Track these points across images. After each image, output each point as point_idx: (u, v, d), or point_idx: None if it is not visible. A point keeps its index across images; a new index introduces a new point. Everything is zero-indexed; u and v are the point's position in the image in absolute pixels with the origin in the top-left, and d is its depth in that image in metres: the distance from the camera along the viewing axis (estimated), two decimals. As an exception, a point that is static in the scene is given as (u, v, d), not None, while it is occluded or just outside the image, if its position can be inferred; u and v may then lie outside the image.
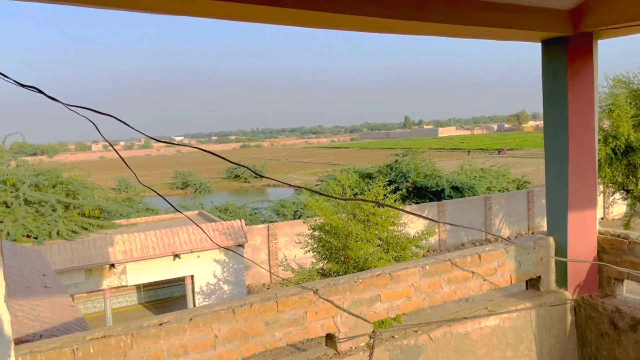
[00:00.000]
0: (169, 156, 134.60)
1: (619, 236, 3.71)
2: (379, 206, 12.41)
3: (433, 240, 21.47)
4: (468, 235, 23.17)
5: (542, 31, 3.55)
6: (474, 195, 26.24)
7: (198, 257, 16.00)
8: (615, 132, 14.99)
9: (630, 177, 15.77)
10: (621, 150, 15.21)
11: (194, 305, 15.96)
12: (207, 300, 16.28)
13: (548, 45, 3.77)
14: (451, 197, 25.92)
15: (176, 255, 15.60)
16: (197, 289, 16.29)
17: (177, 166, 68.83)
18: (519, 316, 3.56)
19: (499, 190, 27.79)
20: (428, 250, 19.20)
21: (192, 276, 16.24)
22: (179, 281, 17.57)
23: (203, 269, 16.21)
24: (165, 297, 18.97)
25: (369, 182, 17.40)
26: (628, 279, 3.67)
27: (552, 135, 3.84)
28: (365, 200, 12.90)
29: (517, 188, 28.73)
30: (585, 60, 3.66)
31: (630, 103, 15.50)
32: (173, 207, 2.94)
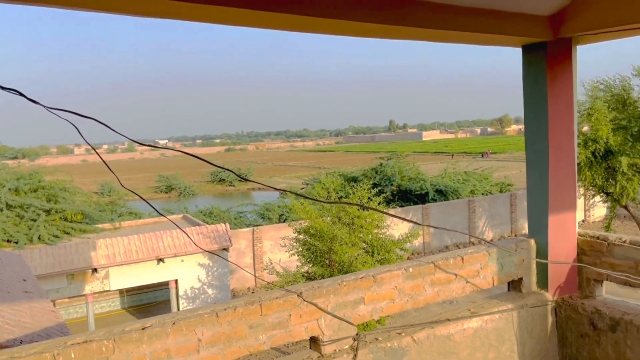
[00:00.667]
0: (153, 160, 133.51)
1: (598, 238, 3.78)
2: (363, 209, 12.44)
3: (417, 243, 21.57)
4: (452, 238, 23.33)
5: (523, 36, 3.60)
6: (457, 198, 26.45)
7: (182, 261, 15.88)
8: (595, 135, 15.21)
9: (610, 180, 16.01)
10: (601, 154, 15.44)
11: (178, 310, 15.83)
12: (191, 304, 16.16)
13: (528, 51, 3.84)
14: (435, 200, 26.09)
15: (160, 260, 15.46)
16: (181, 293, 16.16)
17: (161, 170, 68.31)
18: (501, 317, 3.61)
19: (482, 193, 28.04)
20: (412, 253, 19.28)
21: (176, 280, 16.11)
22: (163, 285, 17.41)
23: (187, 273, 16.09)
24: (149, 301, 18.79)
25: (353, 186, 17.45)
26: (607, 280, 3.73)
27: (533, 139, 3.90)
28: (350, 204, 12.96)
29: (500, 191, 29.02)
30: (564, 65, 3.73)
31: (610, 107, 15.76)
32: (156, 210, 2.92)
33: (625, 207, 16.77)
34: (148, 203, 2.94)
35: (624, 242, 3.60)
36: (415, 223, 3.86)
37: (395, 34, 3.09)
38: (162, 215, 3.07)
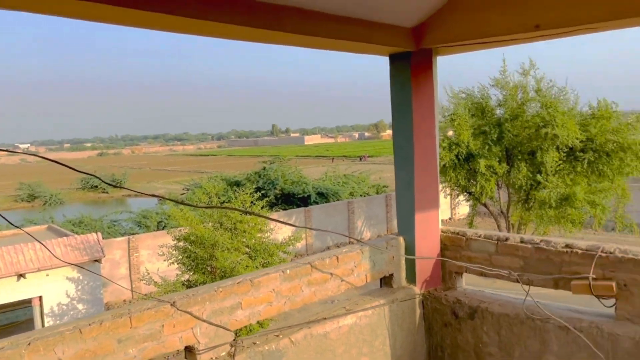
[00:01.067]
0: (12, 165, 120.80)
1: (457, 234, 4.11)
2: (246, 214, 12.36)
3: (300, 245, 21.88)
4: (333, 238, 24.04)
5: (389, 46, 3.82)
6: (338, 200, 27.35)
7: (47, 275, 14.53)
8: (458, 139, 16.60)
9: (472, 181, 17.55)
10: (463, 157, 16.88)
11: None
12: (58, 322, 14.85)
13: (395, 60, 4.07)
14: (317, 203, 26.74)
15: (20, 275, 14.00)
16: (46, 311, 14.78)
17: (23, 177, 62.11)
18: (374, 313, 3.78)
19: (361, 195, 29.28)
20: (295, 255, 19.55)
21: (40, 297, 14.70)
22: (25, 303, 15.78)
23: (54, 289, 14.75)
24: (9, 322, 16.93)
25: (236, 190, 17.26)
26: (466, 272, 4.08)
27: (400, 143, 4.14)
28: (230, 208, 12.77)
29: (377, 192, 30.51)
30: (426, 74, 4.02)
31: (471, 114, 17.30)
32: (7, 221, 2.64)
33: (485, 205, 18.50)
34: (-3, 213, 2.65)
35: (480, 236, 3.96)
36: (290, 225, 3.94)
37: (264, 38, 3.11)
38: (15, 226, 2.79)
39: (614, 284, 3.24)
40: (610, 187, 16.31)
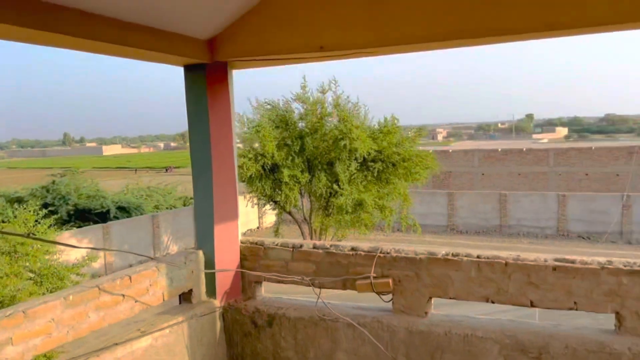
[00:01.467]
0: None
1: (256, 244, 4.20)
2: (28, 237, 10.89)
3: (98, 265, 20.15)
4: (136, 256, 22.64)
5: (184, 57, 3.74)
6: (141, 214, 25.88)
7: None
8: (263, 150, 17.12)
9: (277, 190, 18.21)
10: (268, 167, 17.45)
11: None
12: None
13: (190, 71, 4.02)
14: (117, 218, 24.92)
15: None
16: None
17: None
18: (172, 331, 3.64)
19: (167, 208, 28.14)
20: (93, 276, 17.87)
21: None
22: None
23: None
24: None
25: (17, 208, 15.12)
26: (265, 280, 4.18)
27: (197, 153, 4.09)
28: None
29: (184, 205, 29.66)
30: (222, 86, 4.04)
31: (276, 126, 17.98)
32: None
33: (290, 213, 19.34)
34: None
35: (277, 245, 4.11)
36: (73, 247, 3.60)
37: (39, 39, 2.80)
38: None
39: (390, 281, 3.65)
40: (394, 191, 18.44)
